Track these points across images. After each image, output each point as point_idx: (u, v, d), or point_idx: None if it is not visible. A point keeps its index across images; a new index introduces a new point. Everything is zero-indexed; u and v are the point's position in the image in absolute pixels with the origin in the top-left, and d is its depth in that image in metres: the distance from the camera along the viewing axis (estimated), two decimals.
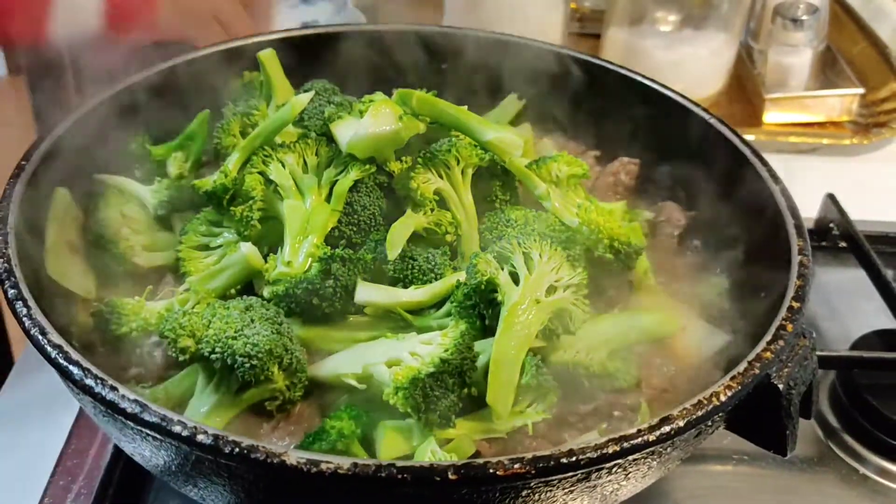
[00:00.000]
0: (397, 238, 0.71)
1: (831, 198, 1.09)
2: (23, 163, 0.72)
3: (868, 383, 0.88)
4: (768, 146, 1.32)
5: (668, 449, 0.57)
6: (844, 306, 1.06)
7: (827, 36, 1.41)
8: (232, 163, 0.73)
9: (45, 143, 0.75)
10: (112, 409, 0.53)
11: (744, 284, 0.77)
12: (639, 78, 0.92)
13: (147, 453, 0.57)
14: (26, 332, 0.58)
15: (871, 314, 0.99)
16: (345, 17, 1.42)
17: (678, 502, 0.82)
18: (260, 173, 0.73)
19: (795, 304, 0.64)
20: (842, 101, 1.36)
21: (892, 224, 1.14)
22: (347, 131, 0.74)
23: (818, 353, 0.86)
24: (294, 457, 0.50)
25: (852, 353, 0.90)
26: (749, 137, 1.30)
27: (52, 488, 0.76)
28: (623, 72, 0.93)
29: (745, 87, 1.44)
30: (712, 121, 0.84)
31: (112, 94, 0.82)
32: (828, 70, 1.41)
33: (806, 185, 1.15)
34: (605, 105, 0.91)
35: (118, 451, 0.79)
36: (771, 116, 1.36)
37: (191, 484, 0.59)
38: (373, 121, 0.74)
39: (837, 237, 1.10)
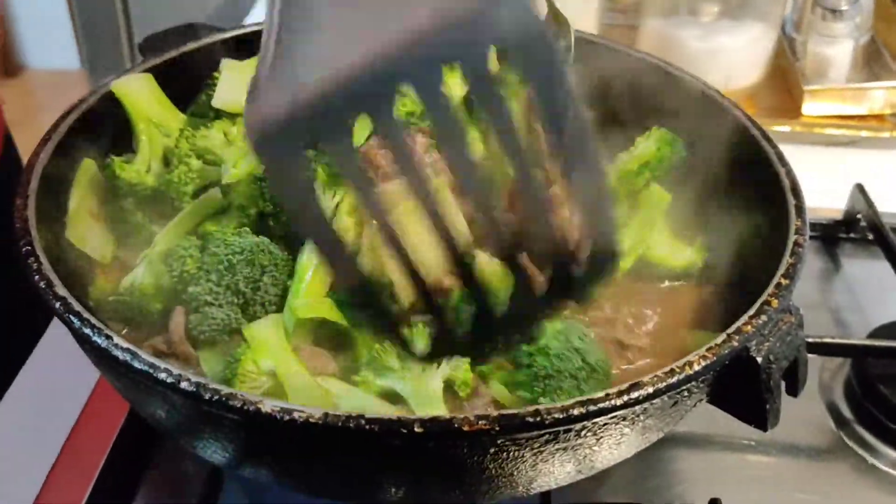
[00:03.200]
0: None
1: (860, 188, 1.07)
2: (50, 133, 0.77)
3: (882, 373, 0.87)
4: (805, 137, 1.30)
5: (641, 416, 0.57)
6: (870, 298, 1.04)
7: (872, 27, 1.38)
8: None
9: (72, 114, 0.79)
10: (106, 356, 0.57)
11: (746, 265, 0.77)
12: (662, 65, 0.91)
13: (141, 400, 0.60)
14: (35, 285, 0.62)
15: None
16: None
17: (682, 486, 0.82)
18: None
19: (784, 281, 0.64)
20: (885, 94, 1.33)
21: None
22: None
23: (833, 340, 0.86)
24: (269, 405, 0.53)
25: (866, 341, 0.88)
26: (784, 129, 1.31)
27: (69, 444, 0.81)
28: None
29: (787, 79, 1.41)
30: (725, 103, 0.84)
31: (140, 72, 0.86)
32: (872, 62, 1.38)
33: (840, 177, 1.14)
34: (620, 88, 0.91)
35: (133, 415, 0.83)
36: (809, 108, 1.34)
37: (184, 433, 0.62)
38: None
39: (865, 229, 1.08)
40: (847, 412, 0.89)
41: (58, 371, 0.89)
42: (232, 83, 0.84)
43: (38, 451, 0.81)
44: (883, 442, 0.85)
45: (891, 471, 0.84)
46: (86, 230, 0.76)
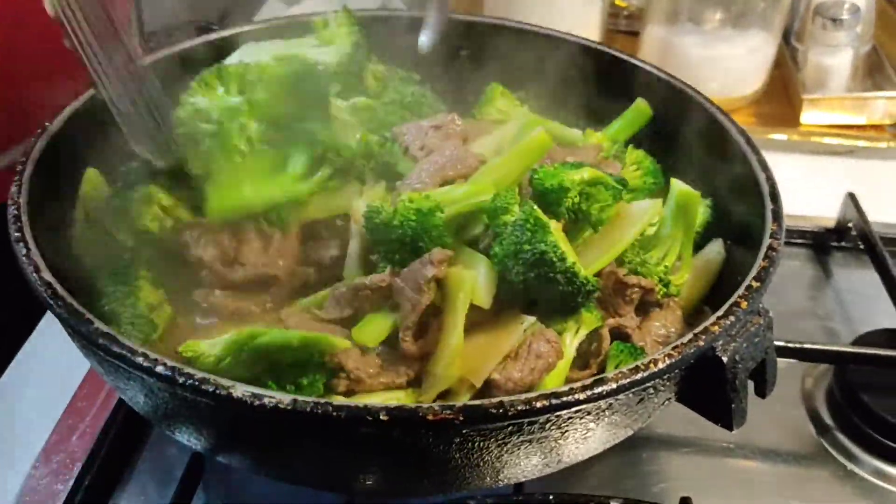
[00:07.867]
0: None
1: (851, 197, 1.07)
2: (46, 124, 0.79)
3: (863, 381, 0.87)
4: (802, 146, 1.31)
5: (606, 411, 0.58)
6: (858, 307, 1.04)
7: (873, 37, 1.39)
8: None
9: (70, 107, 0.81)
10: (87, 340, 0.58)
11: (725, 268, 0.78)
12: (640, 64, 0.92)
13: (122, 385, 0.62)
14: (23, 270, 0.63)
15: (886, 316, 0.97)
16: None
17: (660, 486, 0.83)
18: None
19: (755, 284, 0.64)
20: (885, 104, 1.34)
21: None
22: None
23: (814, 346, 0.87)
24: (240, 390, 0.54)
25: (848, 347, 0.89)
26: (782, 137, 1.32)
27: (60, 426, 0.83)
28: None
29: (787, 88, 1.42)
30: (711, 108, 0.85)
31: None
32: (874, 72, 1.38)
33: (836, 186, 1.14)
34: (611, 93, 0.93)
35: (120, 404, 0.85)
36: (808, 117, 1.34)
37: (164, 419, 0.64)
38: None
39: (856, 238, 1.08)
40: (828, 419, 0.89)
41: (48, 362, 0.91)
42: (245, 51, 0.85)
43: (27, 438, 0.83)
44: (863, 449, 0.86)
45: (870, 478, 0.84)
46: (85, 242, 0.77)
